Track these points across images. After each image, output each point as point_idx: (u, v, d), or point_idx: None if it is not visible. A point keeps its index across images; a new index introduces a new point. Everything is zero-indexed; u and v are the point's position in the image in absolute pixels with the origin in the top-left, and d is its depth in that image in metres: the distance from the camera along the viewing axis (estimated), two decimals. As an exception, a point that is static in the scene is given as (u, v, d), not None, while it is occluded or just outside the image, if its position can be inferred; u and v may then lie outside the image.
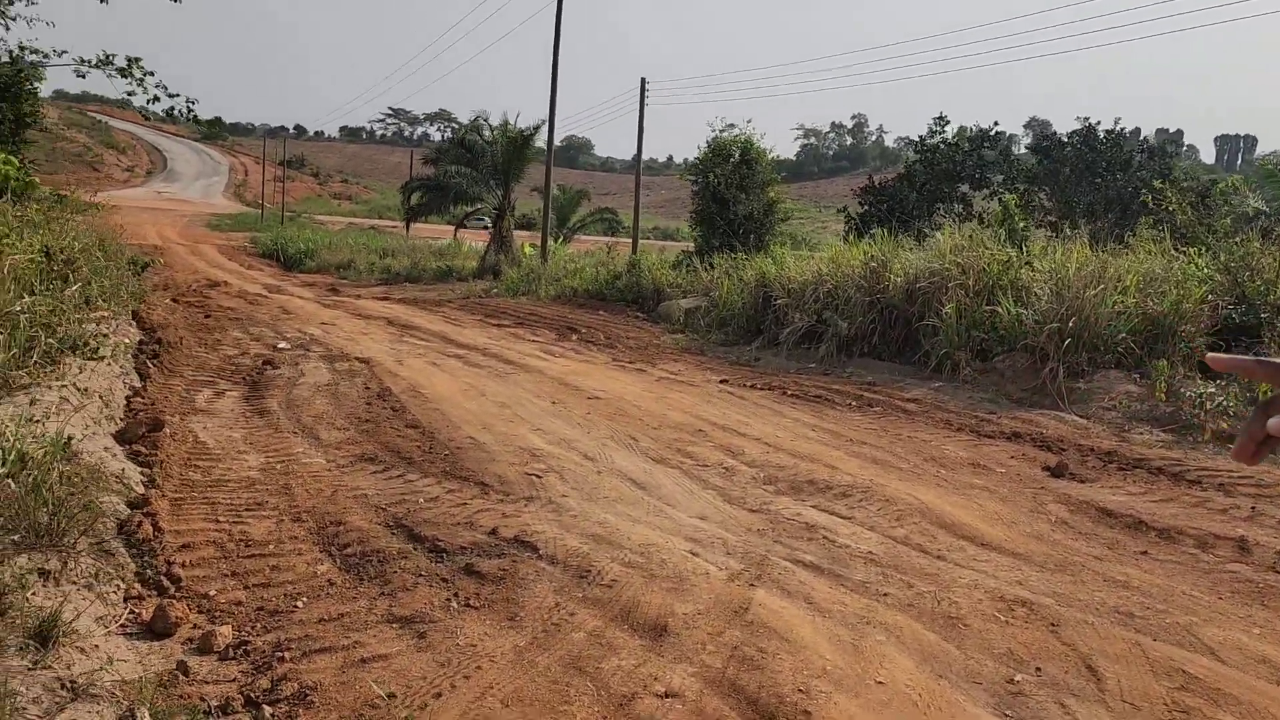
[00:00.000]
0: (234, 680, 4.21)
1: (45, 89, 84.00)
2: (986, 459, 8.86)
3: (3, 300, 7.10)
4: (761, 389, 12.30)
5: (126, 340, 12.21)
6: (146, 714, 3.57)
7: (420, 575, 5.34)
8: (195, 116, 23.99)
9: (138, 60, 21.89)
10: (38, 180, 21.69)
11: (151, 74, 22.44)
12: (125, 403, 8.85)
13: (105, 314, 11.66)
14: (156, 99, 22.46)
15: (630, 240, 35.30)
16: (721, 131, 26.23)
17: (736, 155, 25.97)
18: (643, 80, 34.56)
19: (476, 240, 45.64)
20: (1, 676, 3.49)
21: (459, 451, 8.30)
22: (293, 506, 6.52)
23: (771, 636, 4.65)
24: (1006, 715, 4.11)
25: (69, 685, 3.58)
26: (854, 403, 11.49)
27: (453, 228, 50.57)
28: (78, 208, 18.82)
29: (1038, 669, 4.56)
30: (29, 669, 3.70)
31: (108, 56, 21.64)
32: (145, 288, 17.81)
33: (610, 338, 17.43)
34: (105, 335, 10.64)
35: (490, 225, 38.68)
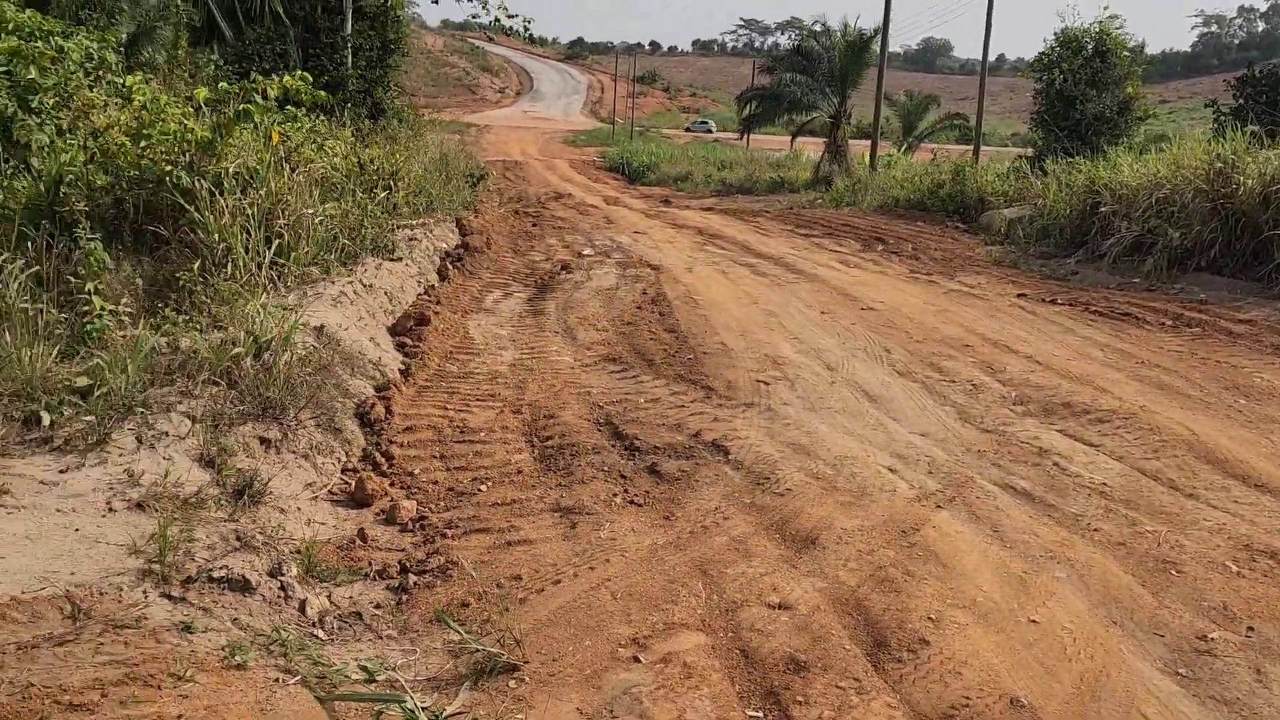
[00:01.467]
0: (402, 550, 4.59)
1: (433, 18, 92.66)
2: (1310, 391, 7.49)
3: (299, 205, 8.03)
4: (1062, 304, 11.18)
5: (444, 245, 13.42)
6: (294, 566, 4.01)
7: (602, 470, 5.48)
8: (530, 35, 25.57)
9: (482, -17, 23.58)
10: (402, 103, 23.93)
11: (494, -4, 24.05)
12: (413, 300, 9.76)
13: (422, 221, 12.82)
14: (498, 20, 24.16)
15: (976, 147, 33.01)
16: (1074, 22, 23.62)
17: (1089, 48, 23.31)
18: (993, -31, 31.75)
19: (816, 150, 44.83)
20: (190, 524, 4.05)
21: (703, 356, 8.34)
22: (519, 399, 6.91)
23: (929, 560, 4.30)
24: (1178, 674, 3.54)
25: (240, 536, 4.09)
26: (1167, 322, 10.13)
27: (789, 137, 49.99)
28: (420, 125, 20.64)
29: (1250, 629, 3.87)
30: (222, 520, 4.26)
31: (456, -18, 23.52)
32: (476, 199, 19.32)
33: (917, 249, 16.56)
34: (416, 240, 11.74)
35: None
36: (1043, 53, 23.91)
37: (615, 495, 5.11)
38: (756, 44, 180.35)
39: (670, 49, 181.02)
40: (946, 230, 19.34)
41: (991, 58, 34.59)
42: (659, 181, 38.41)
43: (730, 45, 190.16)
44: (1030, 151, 25.36)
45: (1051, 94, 23.32)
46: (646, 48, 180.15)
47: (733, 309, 10.61)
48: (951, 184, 21.83)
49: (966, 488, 5.28)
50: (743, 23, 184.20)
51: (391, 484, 5.36)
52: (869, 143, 34.41)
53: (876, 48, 33.45)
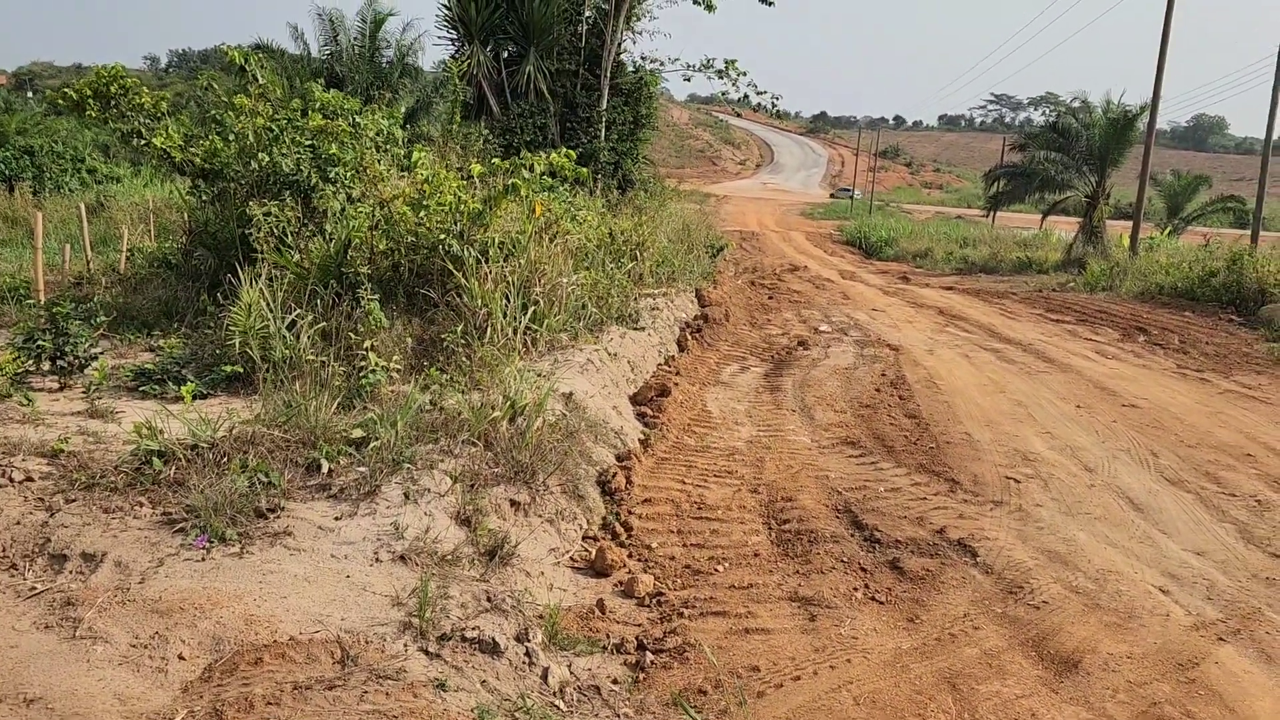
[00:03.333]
0: (639, 625, 4.62)
1: (680, 93, 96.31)
2: None
3: (554, 274, 8.42)
4: (1363, 414, 9.96)
5: (683, 315, 13.66)
6: (540, 633, 4.09)
7: (841, 561, 5.31)
8: (778, 110, 25.98)
9: (733, 63, 24.27)
10: (648, 174, 24.81)
11: (745, 74, 24.68)
12: (654, 370, 9.94)
13: (664, 290, 13.12)
14: (746, 96, 24.72)
15: (1255, 232, 30.36)
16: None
17: (1398, 127, 21.05)
18: (1280, 44, 29.43)
19: (1068, 230, 42.69)
20: (446, 581, 4.24)
21: (946, 446, 8.00)
22: (756, 478, 6.85)
23: (1211, 702, 3.86)
24: None
25: (491, 597, 4.24)
26: None
27: (1040, 216, 47.88)
28: (665, 196, 21.26)
29: None
30: (474, 579, 4.43)
31: (709, 61, 24.30)
32: (715, 269, 19.58)
33: (1184, 341, 15.30)
34: (658, 309, 12.01)
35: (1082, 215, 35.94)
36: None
37: (856, 589, 4.94)
38: (1007, 120, 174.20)
39: (915, 124, 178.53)
40: (1219, 323, 17.78)
41: (1276, 135, 31.81)
42: (897, 257, 37.67)
43: (979, 120, 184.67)
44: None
45: (1350, 178, 21.17)
46: (890, 122, 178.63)
47: (977, 397, 10.15)
48: (1227, 272, 20.12)
49: (1255, 620, 4.73)
50: (993, 98, 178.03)
51: (630, 555, 5.42)
52: (1128, 224, 32.45)
53: (1142, 125, 31.60)
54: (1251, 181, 29.96)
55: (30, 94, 60.36)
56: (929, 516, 6.15)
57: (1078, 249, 31.40)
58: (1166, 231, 40.91)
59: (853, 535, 5.76)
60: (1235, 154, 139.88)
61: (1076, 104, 36.45)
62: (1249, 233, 31.93)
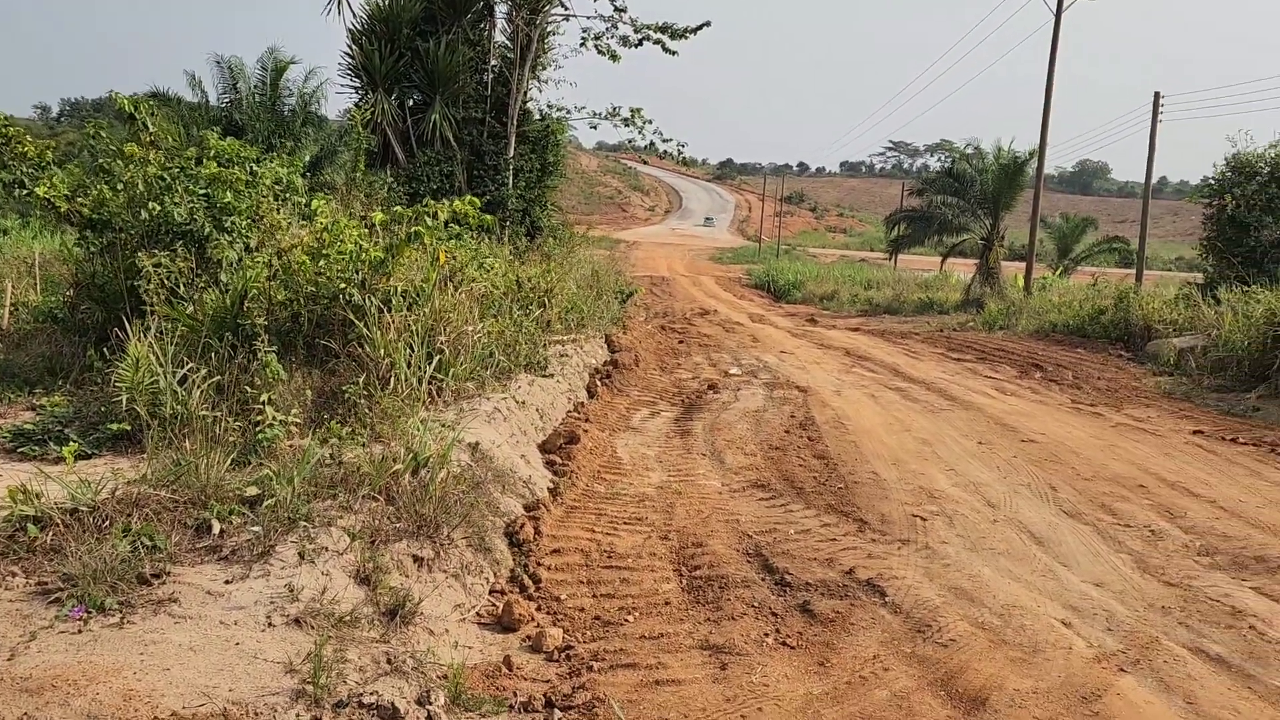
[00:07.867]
0: (548, 681, 4.49)
1: (588, 141, 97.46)
2: None
3: (460, 322, 8.30)
4: (1245, 444, 10.40)
5: (593, 361, 13.61)
6: (442, 695, 3.95)
7: (752, 606, 5.28)
8: (684, 157, 26.35)
9: (639, 110, 24.54)
10: (557, 221, 24.82)
11: (650, 122, 24.96)
12: (563, 417, 9.86)
13: (574, 337, 13.07)
14: (653, 143, 25.00)
15: (1139, 272, 31.84)
16: (1246, 147, 22.71)
17: (1265, 173, 22.32)
18: (1156, 95, 31.17)
19: (966, 271, 44.10)
20: (343, 644, 4.07)
21: (854, 486, 8.08)
22: (666, 525, 6.80)
23: (1114, 735, 3.91)
24: None
25: (391, 659, 4.08)
26: (1370, 469, 9.26)
27: (939, 258, 49.38)
28: (574, 242, 21.33)
29: None
30: (374, 640, 4.26)
31: (615, 109, 24.53)
32: (625, 315, 19.62)
33: (1078, 377, 15.84)
34: (567, 356, 11.94)
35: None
36: (1212, 178, 23.09)
37: (767, 635, 4.90)
38: (905, 165, 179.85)
39: (818, 170, 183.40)
40: (1109, 358, 18.49)
41: (1156, 181, 33.46)
42: (804, 300, 38.37)
43: (879, 167, 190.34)
44: (1199, 278, 24.26)
45: (1223, 220, 22.38)
46: (794, 168, 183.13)
47: (883, 436, 10.30)
48: (1114, 310, 20.98)
49: (1152, 649, 4.84)
50: (891, 145, 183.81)
51: (538, 609, 5.30)
52: (1022, 265, 33.65)
53: (1031, 170, 32.96)
54: (1134, 223, 31.44)
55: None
56: (839, 557, 6.17)
57: (976, 289, 32.39)
58: (1058, 272, 42.65)
59: (763, 579, 5.74)
60: (1118, 197, 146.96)
61: (970, 150, 37.90)
62: (1134, 272, 33.47)
